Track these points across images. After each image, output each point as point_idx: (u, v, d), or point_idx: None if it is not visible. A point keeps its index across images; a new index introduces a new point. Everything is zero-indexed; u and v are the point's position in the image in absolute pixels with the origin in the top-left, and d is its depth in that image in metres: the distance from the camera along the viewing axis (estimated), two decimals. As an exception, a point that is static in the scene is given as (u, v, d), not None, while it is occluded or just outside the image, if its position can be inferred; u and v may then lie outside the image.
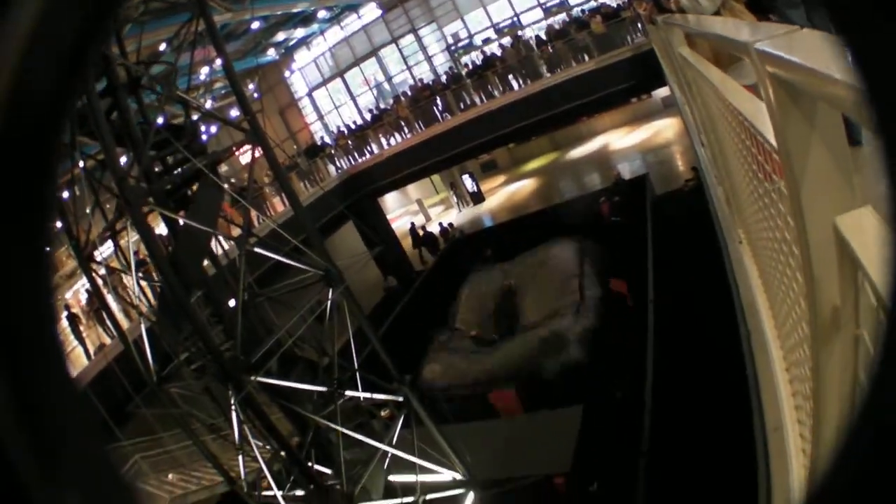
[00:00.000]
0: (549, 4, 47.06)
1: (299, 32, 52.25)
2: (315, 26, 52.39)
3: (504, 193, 55.28)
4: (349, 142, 44.72)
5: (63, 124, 0.93)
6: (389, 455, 15.26)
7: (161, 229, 16.95)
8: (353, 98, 55.45)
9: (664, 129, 49.21)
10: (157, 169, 13.97)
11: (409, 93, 44.90)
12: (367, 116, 47.38)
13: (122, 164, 13.06)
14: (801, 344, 3.59)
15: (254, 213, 17.14)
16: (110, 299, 17.48)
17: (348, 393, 14.85)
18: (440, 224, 47.99)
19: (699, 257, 16.15)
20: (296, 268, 15.01)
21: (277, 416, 14.73)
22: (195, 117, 15.32)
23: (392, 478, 15.81)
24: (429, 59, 51.71)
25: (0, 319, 0.85)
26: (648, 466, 16.40)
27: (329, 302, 14.58)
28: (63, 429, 0.88)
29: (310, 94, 57.20)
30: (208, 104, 36.85)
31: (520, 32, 45.18)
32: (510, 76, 38.46)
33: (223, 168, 29.65)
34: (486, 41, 47.79)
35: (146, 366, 14.37)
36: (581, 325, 24.52)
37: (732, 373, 7.78)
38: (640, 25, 33.00)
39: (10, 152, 0.86)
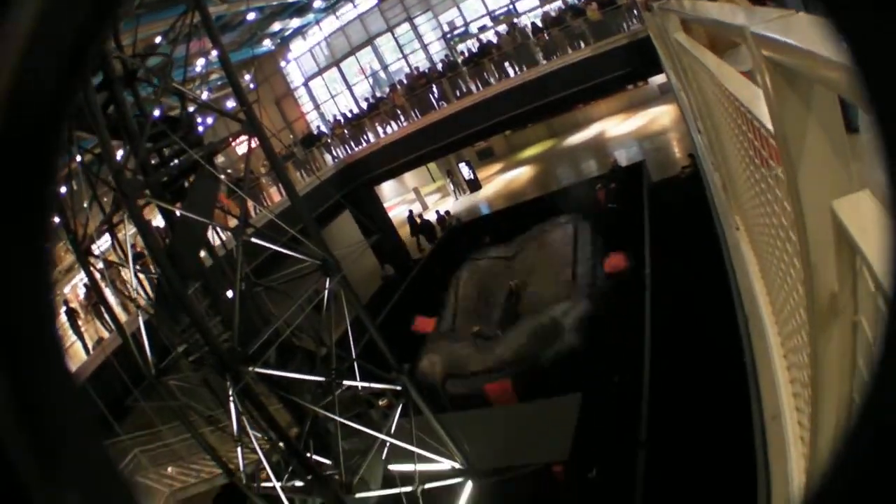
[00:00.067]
0: (544, -9, 47.04)
1: (295, 22, 52.16)
2: (310, 16, 52.33)
3: (501, 181, 55.33)
4: (345, 131, 44.72)
5: (63, 124, 0.92)
6: (388, 445, 15.27)
7: (158, 221, 16.94)
8: (349, 87, 55.39)
9: (661, 115, 49.26)
10: (153, 161, 13.94)
11: (405, 81, 44.93)
12: (364, 105, 47.40)
13: (118, 157, 13.05)
14: (799, 330, 3.57)
15: (251, 204, 17.13)
16: (108, 293, 17.46)
17: (346, 383, 14.84)
18: (437, 212, 48.12)
19: (696, 244, 16.16)
20: (293, 258, 14.99)
21: (276, 407, 14.73)
22: (191, 109, 15.30)
23: (391, 467, 15.82)
24: (425, 47, 51.65)
25: (0, 319, 0.84)
26: (647, 454, 16.42)
27: (326, 291, 14.57)
28: (63, 429, 0.88)
29: (306, 84, 57.13)
30: (204, 95, 36.83)
31: (516, 20, 45.16)
32: (506, 64, 38.45)
33: (220, 159, 29.64)
34: (482, 29, 47.71)
35: (144, 359, 14.37)
36: (575, 311, 24.50)
37: (730, 360, 7.78)
38: (636, 12, 32.98)
39: (11, 152, 0.85)
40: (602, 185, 36.48)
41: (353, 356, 15.56)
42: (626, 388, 19.19)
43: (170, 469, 23.08)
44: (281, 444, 14.06)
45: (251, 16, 42.67)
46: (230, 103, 36.40)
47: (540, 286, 28.09)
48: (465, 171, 55.58)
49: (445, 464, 16.66)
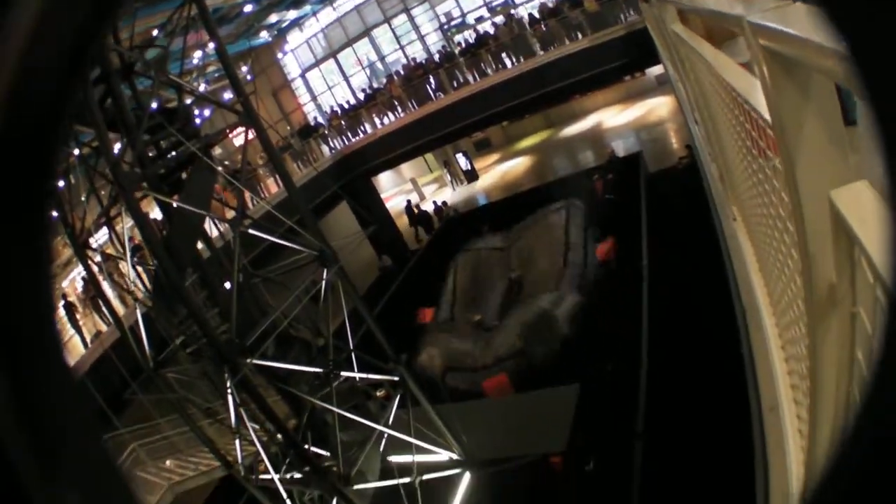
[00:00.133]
0: (542, -18, 47.02)
1: (292, 14, 52.13)
2: (307, 7, 52.30)
3: (498, 171, 55.33)
4: (342, 122, 44.69)
5: (63, 125, 0.92)
6: (386, 436, 15.27)
7: (156, 214, 16.94)
8: (346, 78, 55.36)
9: (658, 106, 49.24)
10: (150, 154, 13.93)
11: (402, 72, 44.93)
12: (361, 96, 47.43)
13: (116, 149, 13.05)
14: (797, 322, 3.57)
15: (248, 195, 17.12)
16: (106, 286, 17.46)
17: (344, 374, 14.84)
18: (434, 202, 48.06)
19: (693, 235, 16.15)
20: (290, 249, 14.99)
21: (274, 399, 14.73)
22: (189, 101, 15.29)
23: (389, 458, 15.83)
24: (421, 38, 51.66)
25: (0, 319, 0.84)
26: (644, 445, 16.43)
27: (324, 282, 14.57)
28: (63, 429, 0.87)
29: (303, 76, 57.11)
30: (202, 88, 36.84)
31: (513, 11, 45.07)
32: (503, 54, 38.37)
33: (217, 151, 29.61)
34: (479, 20, 47.60)
35: (142, 352, 14.38)
36: (568, 301, 24.52)
37: (728, 352, 7.77)
38: (633, 3, 32.94)
39: (11, 152, 0.85)
40: (599, 176, 36.51)
41: (351, 347, 15.56)
42: (624, 379, 19.19)
43: (168, 462, 23.08)
44: (279, 435, 14.08)
45: (248, 7, 42.68)
46: (227, 95, 36.33)
47: (534, 272, 28.09)
48: (463, 161, 55.59)
49: (443, 455, 16.67)
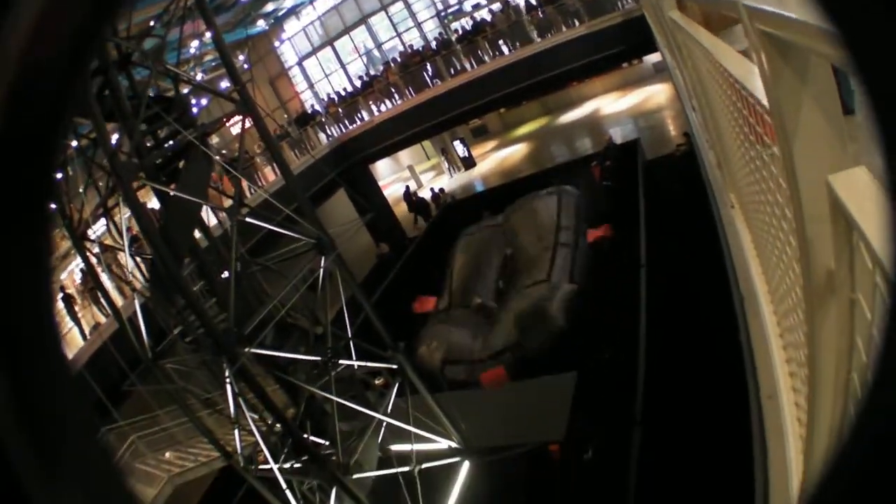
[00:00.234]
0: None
1: (288, 2, 52.06)
2: (304, -5, 52.30)
3: (495, 158, 55.32)
4: (339, 110, 44.69)
5: (64, 124, 0.92)
6: (384, 424, 15.29)
7: (153, 203, 16.94)
8: (343, 66, 55.33)
9: (655, 94, 49.24)
10: (147, 144, 13.91)
11: (399, 59, 44.95)
12: (358, 84, 47.42)
13: (113, 140, 13.04)
14: (795, 309, 3.57)
15: (245, 184, 17.10)
16: (104, 277, 17.46)
17: (342, 362, 14.85)
18: (431, 189, 48.07)
19: (691, 222, 16.16)
20: (288, 237, 14.99)
21: (273, 388, 14.74)
22: (186, 90, 15.27)
23: (388, 447, 15.86)
24: (418, 25, 51.58)
25: (0, 319, 0.83)
26: (642, 433, 16.44)
27: (321, 270, 14.56)
28: (63, 429, 0.87)
29: (300, 64, 57.08)
30: (199, 77, 36.81)
31: (509, -3, 45.12)
32: (500, 41, 38.37)
33: (215, 140, 29.60)
34: (476, 7, 47.58)
35: (141, 343, 14.38)
36: (561, 290, 24.56)
37: (726, 339, 7.77)
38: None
39: (11, 152, 0.85)
40: (597, 163, 36.51)
41: (349, 335, 15.57)
42: (622, 368, 19.19)
43: (167, 454, 23.08)
44: (278, 425, 14.09)
45: (244, -4, 42.69)
46: (225, 84, 36.33)
47: (523, 256, 28.15)
48: (460, 148, 55.58)
49: (442, 443, 16.69)
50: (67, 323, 27.06)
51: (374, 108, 43.22)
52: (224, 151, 33.72)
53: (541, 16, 36.82)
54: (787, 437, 4.16)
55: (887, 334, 0.76)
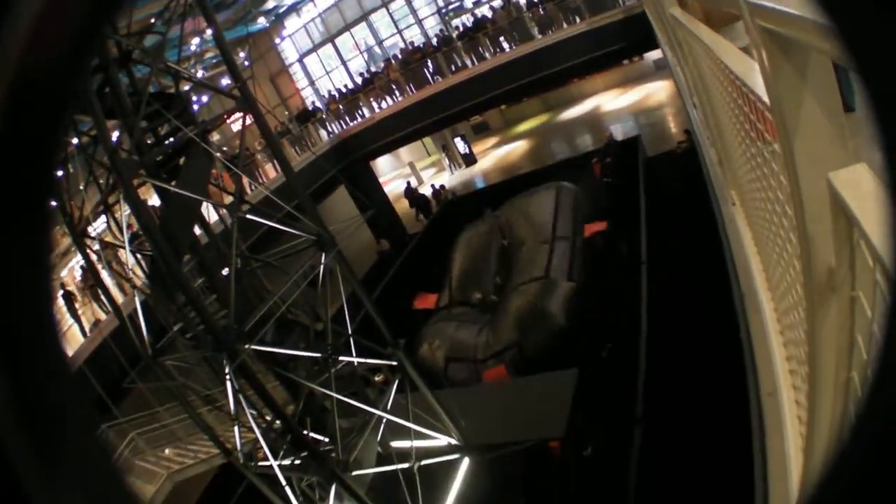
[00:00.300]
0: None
1: (289, -1, 52.15)
2: (305, -8, 52.32)
3: (496, 155, 55.44)
4: (340, 106, 44.72)
5: (65, 124, 0.91)
6: (384, 421, 15.30)
7: (154, 200, 16.95)
8: (343, 63, 55.36)
9: (656, 91, 49.28)
10: (148, 141, 13.92)
11: (400, 56, 44.97)
12: (359, 80, 47.42)
13: (114, 137, 13.04)
14: (796, 306, 3.57)
15: (246, 180, 17.11)
16: (105, 274, 17.47)
17: (343, 358, 14.85)
18: (432, 186, 48.11)
19: (692, 219, 16.16)
20: (289, 233, 14.99)
21: (273, 385, 14.75)
22: (186, 87, 15.28)
23: (388, 444, 15.87)
24: (419, 22, 51.59)
25: (0, 319, 0.83)
26: (643, 430, 16.45)
27: (322, 267, 14.56)
28: (63, 429, 0.87)
29: (300, 61, 57.12)
30: (199, 74, 36.81)
31: (510, -6, 45.13)
32: (501, 38, 38.38)
33: (215, 136, 29.60)
34: (477, 3, 47.58)
35: (141, 339, 14.39)
36: (560, 288, 24.56)
37: (727, 336, 7.76)
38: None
39: (11, 153, 0.85)
40: (598, 160, 36.50)
41: (349, 332, 15.57)
42: (622, 365, 19.20)
43: (167, 451, 23.12)
44: (278, 422, 14.09)
45: (245, -7, 42.69)
46: (225, 81, 36.37)
47: (525, 247, 28.14)
48: (461, 145, 55.69)
49: (442, 440, 16.70)
50: (68, 320, 27.11)
51: (374, 104, 43.26)
52: (225, 148, 33.79)
53: (542, 12, 36.82)
54: (787, 435, 4.16)
55: (888, 332, 0.75)
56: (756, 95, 3.17)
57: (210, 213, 15.93)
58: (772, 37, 2.31)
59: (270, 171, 36.86)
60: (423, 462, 16.04)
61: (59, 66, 0.85)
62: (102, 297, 20.51)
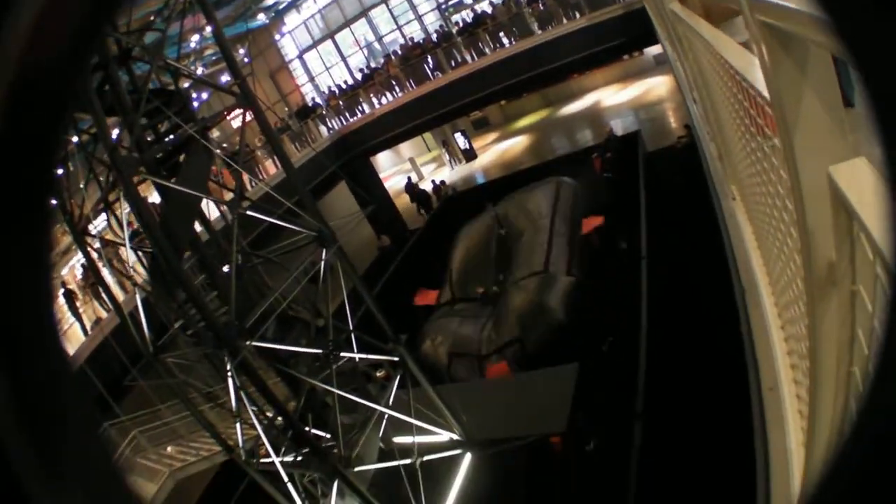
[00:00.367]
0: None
1: (288, -5, 52.15)
2: (304, -12, 52.30)
3: (496, 150, 55.45)
4: (340, 102, 44.68)
5: (65, 124, 0.91)
6: (386, 417, 15.30)
7: (154, 198, 16.95)
8: (343, 59, 55.36)
9: (656, 86, 49.28)
10: (148, 138, 13.91)
11: (400, 52, 44.92)
12: (358, 76, 47.43)
13: (114, 134, 13.04)
14: (797, 301, 3.57)
15: (246, 177, 17.11)
16: (105, 272, 17.47)
17: (344, 354, 14.85)
18: (433, 181, 48.14)
19: (692, 214, 16.16)
20: (289, 230, 14.98)
21: (274, 381, 14.75)
22: (186, 85, 15.28)
23: (389, 439, 15.87)
24: (419, 17, 51.58)
25: (0, 319, 0.83)
26: (644, 425, 16.45)
27: (322, 263, 14.56)
28: (64, 428, 0.87)
29: (300, 57, 57.12)
30: (199, 71, 36.83)
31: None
32: (501, 34, 38.37)
33: (215, 133, 29.63)
34: (477, -1, 47.66)
35: (142, 337, 14.38)
36: (560, 283, 24.57)
37: (727, 331, 7.76)
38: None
39: (11, 152, 0.84)
40: (598, 155, 36.49)
41: (350, 327, 15.57)
42: (623, 360, 19.20)
43: (169, 448, 23.11)
44: (279, 418, 14.10)
45: (245, -11, 42.67)
46: (225, 78, 36.38)
47: (523, 242, 28.18)
48: (461, 140, 55.72)
49: (443, 435, 16.70)
50: (69, 318, 27.10)
51: (374, 100, 43.26)
52: (225, 145, 33.78)
53: (541, 8, 36.82)
54: (789, 429, 4.16)
55: (888, 328, 0.75)
56: (756, 90, 3.17)
57: (211, 209, 15.92)
58: (771, 31, 2.31)
59: (270, 168, 36.85)
60: (425, 458, 16.03)
61: (59, 66, 0.85)
62: (103, 295, 20.53)
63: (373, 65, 49.60)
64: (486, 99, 41.68)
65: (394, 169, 62.55)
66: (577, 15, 35.13)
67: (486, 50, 38.61)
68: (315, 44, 56.06)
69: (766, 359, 4.97)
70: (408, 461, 15.70)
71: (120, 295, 19.96)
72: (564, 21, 35.69)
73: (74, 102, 11.75)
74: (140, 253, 15.04)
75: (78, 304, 27.98)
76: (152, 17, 15.38)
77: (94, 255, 15.24)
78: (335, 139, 42.84)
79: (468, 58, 39.19)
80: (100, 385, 19.84)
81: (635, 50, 47.76)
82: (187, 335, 14.26)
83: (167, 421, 22.33)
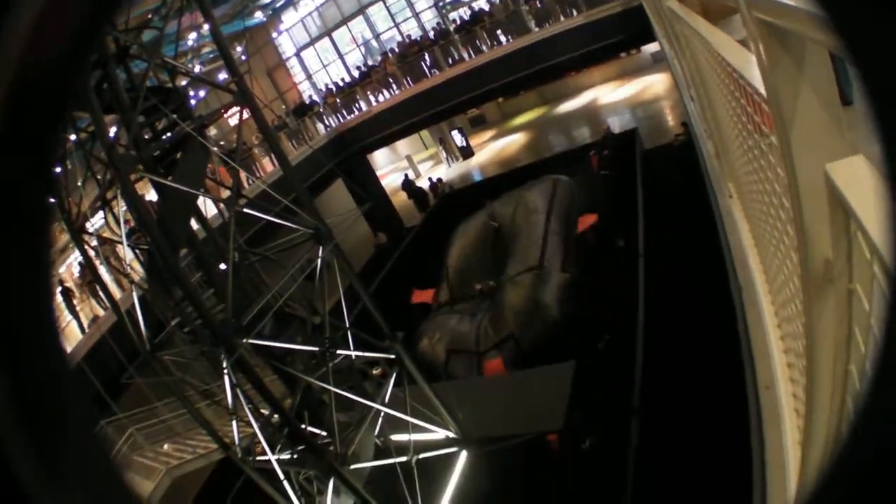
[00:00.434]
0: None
1: (285, -7, 52.12)
2: (302, -14, 52.29)
3: (493, 148, 55.48)
4: (337, 100, 44.69)
5: (64, 124, 0.92)
6: (382, 415, 15.31)
7: (152, 196, 16.95)
8: (341, 56, 55.32)
9: (653, 84, 49.30)
10: (146, 136, 13.91)
11: (397, 49, 44.90)
12: (356, 74, 47.45)
13: (111, 132, 13.05)
14: (793, 299, 3.57)
15: (243, 174, 17.11)
16: (102, 270, 17.47)
17: (340, 352, 14.85)
18: (430, 179, 48.13)
19: (689, 212, 16.17)
20: (286, 227, 14.98)
21: (271, 379, 14.76)
22: (184, 82, 15.28)
23: (384, 437, 15.87)
24: (416, 15, 51.54)
25: (0, 319, 0.83)
26: (640, 422, 16.46)
27: (319, 260, 14.57)
28: (64, 429, 0.87)
29: (298, 55, 57.06)
30: (197, 69, 36.81)
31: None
32: (498, 31, 38.39)
33: (212, 131, 29.63)
34: (474, -4, 47.64)
35: (139, 335, 14.38)
36: (554, 279, 24.60)
37: (724, 329, 7.77)
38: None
39: (11, 152, 0.85)
40: (595, 152, 36.49)
41: (347, 325, 15.57)
42: (619, 357, 19.21)
43: (166, 446, 23.12)
44: (276, 416, 14.10)
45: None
46: (223, 75, 36.40)
47: (519, 239, 28.17)
48: (458, 138, 55.72)
49: (440, 433, 16.71)
50: (66, 316, 27.10)
51: (371, 98, 43.28)
52: (222, 142, 33.79)
53: (538, 5, 36.80)
54: (785, 428, 4.17)
55: (888, 331, 0.75)
56: (753, 88, 3.17)
57: (208, 207, 15.93)
58: (769, 29, 2.31)
59: (268, 165, 36.86)
60: (422, 455, 16.04)
61: (59, 66, 0.85)
62: (101, 293, 20.54)
63: (370, 62, 49.59)
64: (484, 96, 41.71)
65: (391, 166, 62.59)
66: (575, 12, 35.10)
67: (484, 47, 38.63)
68: (312, 41, 56.01)
69: (763, 357, 4.98)
70: (404, 459, 15.71)
71: (117, 293, 19.96)
72: (562, 18, 35.69)
73: (73, 102, 11.81)
74: (137, 251, 15.04)
75: (75, 301, 27.99)
76: (150, 15, 15.37)
77: (92, 253, 15.23)
78: (332, 137, 42.87)
79: (465, 55, 39.24)
80: (97, 383, 19.84)
81: (633, 48, 47.86)
82: (184, 333, 14.26)
83: (164, 419, 22.34)
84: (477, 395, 19.54)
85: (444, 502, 16.40)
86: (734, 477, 6.40)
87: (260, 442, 14.05)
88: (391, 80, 42.24)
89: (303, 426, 14.22)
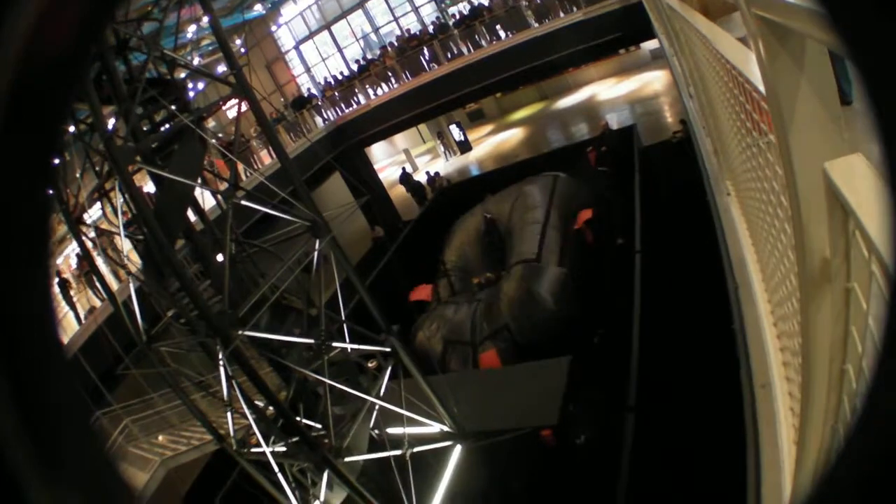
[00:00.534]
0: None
1: (286, -14, 52.07)
2: (301, -21, 52.25)
3: (491, 143, 55.48)
4: (336, 93, 44.67)
5: (65, 120, 0.91)
6: (377, 408, 15.31)
7: (150, 187, 16.94)
8: (340, 50, 55.25)
9: (652, 81, 49.30)
10: (144, 128, 13.91)
11: (397, 43, 44.87)
12: (354, 67, 47.40)
13: (110, 124, 13.04)
14: (790, 297, 3.57)
15: (241, 167, 17.10)
16: (100, 261, 17.46)
17: (336, 345, 14.85)
18: (427, 173, 48.11)
19: (687, 209, 16.17)
20: (283, 219, 14.98)
21: (266, 371, 14.76)
22: (183, 75, 15.28)
23: (379, 430, 15.87)
24: (416, 9, 51.48)
25: (0, 319, 0.83)
26: (636, 418, 16.47)
27: (315, 253, 14.56)
28: (64, 430, 0.87)
29: (297, 48, 56.99)
30: (196, 61, 36.81)
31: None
32: (497, 26, 38.38)
33: (211, 123, 29.61)
34: (474, -9, 47.60)
35: (135, 326, 14.37)
36: (550, 273, 24.63)
37: (720, 327, 7.78)
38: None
39: (11, 150, 0.85)
40: (593, 148, 36.48)
41: (343, 318, 15.58)
42: (615, 353, 19.21)
43: (161, 437, 23.13)
44: (271, 408, 14.10)
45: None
46: (222, 68, 36.35)
47: (516, 233, 28.24)
48: (456, 132, 55.68)
49: (434, 427, 16.71)
50: (63, 307, 27.11)
51: (370, 91, 43.28)
52: (220, 135, 33.78)
53: (538, 1, 36.78)
54: (780, 427, 4.17)
55: (887, 333, 0.75)
56: (752, 86, 3.17)
57: (206, 199, 15.92)
58: (769, 26, 2.30)
59: (265, 158, 36.86)
60: (416, 449, 16.04)
61: (60, 65, 0.85)
62: (97, 284, 20.53)
63: (369, 56, 49.59)
64: (482, 91, 41.70)
65: (389, 160, 62.66)
66: (574, 9, 35.09)
67: (483, 42, 38.59)
68: (311, 35, 55.95)
69: (759, 355, 4.98)
70: (398, 452, 15.71)
71: (114, 284, 19.96)
72: (561, 14, 35.67)
73: (74, 96, 11.79)
74: (134, 241, 15.04)
75: (72, 292, 28.00)
76: (150, 8, 15.36)
77: (89, 244, 15.22)
78: (330, 130, 42.88)
79: (464, 50, 39.24)
80: (93, 374, 19.83)
81: (632, 44, 47.81)
82: (180, 324, 14.26)
83: (159, 410, 22.35)
84: (472, 389, 19.52)
85: (438, 496, 16.41)
86: (729, 474, 6.41)
87: (254, 434, 14.05)
88: (390, 74, 42.20)
89: (297, 418, 14.22)
